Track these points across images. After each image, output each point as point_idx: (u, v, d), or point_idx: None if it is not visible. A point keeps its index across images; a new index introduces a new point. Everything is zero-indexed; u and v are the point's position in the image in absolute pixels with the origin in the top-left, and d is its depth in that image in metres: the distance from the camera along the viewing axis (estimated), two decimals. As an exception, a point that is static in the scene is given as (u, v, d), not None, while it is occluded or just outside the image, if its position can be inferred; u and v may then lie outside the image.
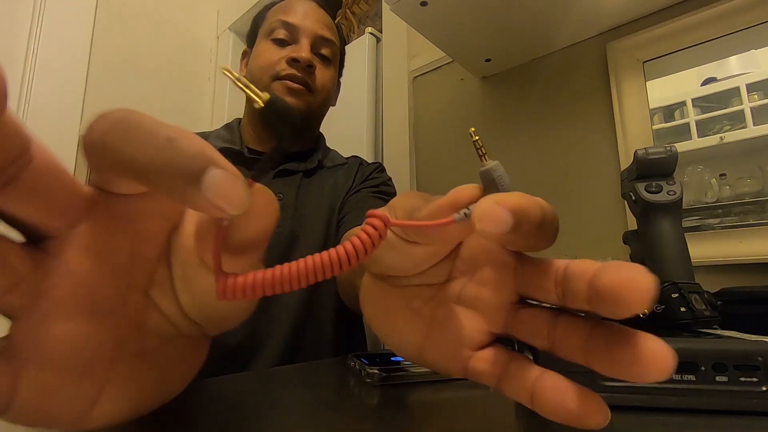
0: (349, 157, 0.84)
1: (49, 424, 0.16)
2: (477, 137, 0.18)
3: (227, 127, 0.79)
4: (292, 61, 0.70)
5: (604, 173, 0.87)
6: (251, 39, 0.79)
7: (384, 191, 0.76)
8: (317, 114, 0.77)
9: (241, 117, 0.81)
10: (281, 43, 0.73)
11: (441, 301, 0.22)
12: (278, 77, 0.70)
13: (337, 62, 0.80)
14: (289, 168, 0.73)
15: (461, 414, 0.26)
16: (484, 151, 0.18)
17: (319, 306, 0.67)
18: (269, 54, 0.72)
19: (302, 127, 0.75)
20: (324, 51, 0.75)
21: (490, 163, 0.18)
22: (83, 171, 0.61)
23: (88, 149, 0.14)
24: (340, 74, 0.84)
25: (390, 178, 0.83)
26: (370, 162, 0.84)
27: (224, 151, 0.70)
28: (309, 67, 0.71)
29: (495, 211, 0.15)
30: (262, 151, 0.75)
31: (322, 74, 0.74)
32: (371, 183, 0.77)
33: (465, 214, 0.16)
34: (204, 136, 0.74)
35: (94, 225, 0.16)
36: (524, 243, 0.17)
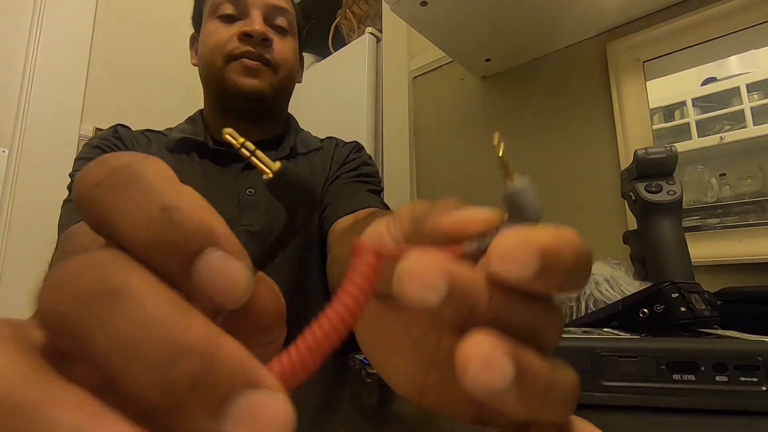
0: (323, 139, 0.76)
1: None
2: (502, 151, 0.14)
3: (190, 120, 0.72)
4: (245, 36, 0.63)
5: (604, 173, 0.87)
6: (197, 22, 0.71)
7: (364, 173, 0.71)
8: (283, 93, 0.70)
9: (203, 108, 0.74)
10: (229, 19, 0.65)
11: (445, 329, 0.19)
12: (232, 57, 0.63)
13: (295, 32, 0.71)
14: None
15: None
16: (510, 169, 0.14)
17: (312, 308, 0.65)
18: (218, 33, 0.64)
19: (267, 108, 0.68)
20: (279, 21, 0.67)
21: (519, 183, 0.14)
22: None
23: (76, 200, 0.12)
24: (301, 46, 0.75)
25: (370, 157, 0.76)
26: (346, 142, 0.77)
27: (186, 142, 0.66)
28: (264, 41, 0.64)
29: (520, 252, 0.12)
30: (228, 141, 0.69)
31: (281, 47, 0.67)
32: (350, 167, 0.71)
33: (479, 245, 0.13)
34: (165, 132, 0.69)
35: None
36: (545, 289, 0.14)
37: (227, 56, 0.63)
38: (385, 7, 1.28)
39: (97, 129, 1.57)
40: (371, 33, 1.43)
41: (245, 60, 0.63)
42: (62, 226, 0.53)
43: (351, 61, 1.44)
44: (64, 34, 1.53)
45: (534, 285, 0.12)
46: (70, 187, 0.58)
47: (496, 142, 0.14)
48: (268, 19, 0.66)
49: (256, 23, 0.64)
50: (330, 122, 1.40)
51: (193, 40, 0.73)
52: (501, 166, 0.14)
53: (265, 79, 0.64)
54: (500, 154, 0.14)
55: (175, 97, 1.81)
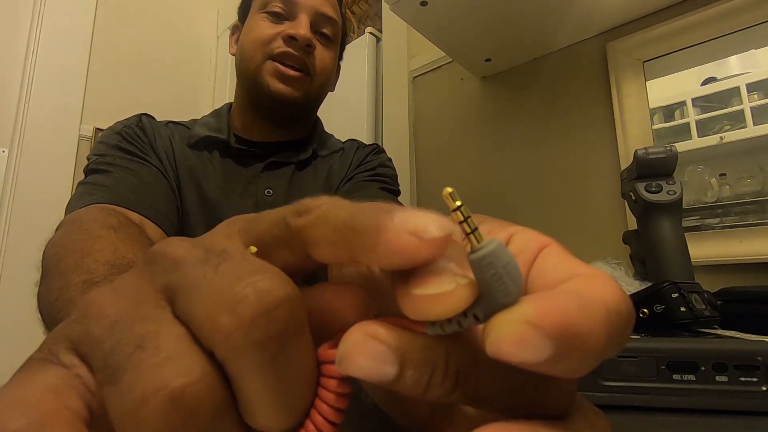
0: (345, 141, 0.77)
1: None
2: (458, 202, 0.11)
3: (216, 113, 0.72)
4: (290, 39, 0.63)
5: (604, 173, 0.87)
6: (243, 13, 0.71)
7: (381, 173, 0.71)
8: (314, 100, 0.70)
9: (232, 101, 0.73)
10: (277, 17, 0.65)
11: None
12: (272, 56, 0.63)
13: (338, 43, 0.72)
14: (279, 160, 0.67)
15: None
16: (471, 226, 0.10)
17: None
18: (263, 28, 0.65)
19: (297, 113, 0.68)
20: (325, 30, 0.68)
21: (485, 246, 0.10)
22: (82, 170, 0.59)
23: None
24: (340, 57, 0.75)
25: (390, 159, 0.76)
26: (367, 144, 0.77)
27: (209, 140, 0.66)
28: (308, 47, 0.64)
29: (525, 336, 0.09)
30: (252, 140, 0.68)
31: (322, 56, 0.67)
32: (366, 167, 0.71)
33: (443, 330, 0.11)
34: (189, 125, 0.69)
35: None
36: (562, 375, 0.10)
37: (268, 54, 0.64)
38: (385, 7, 1.28)
39: (97, 129, 1.57)
40: (371, 33, 1.43)
41: (282, 66, 0.63)
42: (69, 206, 0.52)
43: (351, 61, 1.44)
44: (64, 34, 1.53)
45: (545, 370, 0.09)
46: (86, 170, 0.57)
47: (446, 193, 0.11)
48: (315, 26, 0.66)
49: (302, 28, 0.64)
50: (330, 122, 1.39)
51: (236, 29, 0.73)
52: (460, 225, 0.11)
53: (299, 87, 0.65)
54: (455, 204, 0.11)
55: (175, 97, 1.81)
